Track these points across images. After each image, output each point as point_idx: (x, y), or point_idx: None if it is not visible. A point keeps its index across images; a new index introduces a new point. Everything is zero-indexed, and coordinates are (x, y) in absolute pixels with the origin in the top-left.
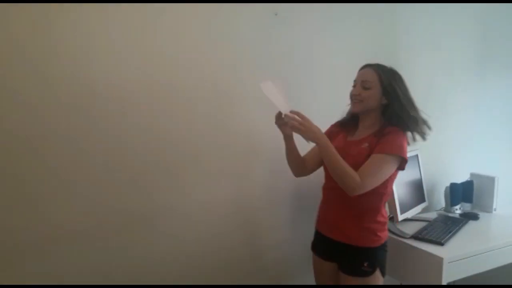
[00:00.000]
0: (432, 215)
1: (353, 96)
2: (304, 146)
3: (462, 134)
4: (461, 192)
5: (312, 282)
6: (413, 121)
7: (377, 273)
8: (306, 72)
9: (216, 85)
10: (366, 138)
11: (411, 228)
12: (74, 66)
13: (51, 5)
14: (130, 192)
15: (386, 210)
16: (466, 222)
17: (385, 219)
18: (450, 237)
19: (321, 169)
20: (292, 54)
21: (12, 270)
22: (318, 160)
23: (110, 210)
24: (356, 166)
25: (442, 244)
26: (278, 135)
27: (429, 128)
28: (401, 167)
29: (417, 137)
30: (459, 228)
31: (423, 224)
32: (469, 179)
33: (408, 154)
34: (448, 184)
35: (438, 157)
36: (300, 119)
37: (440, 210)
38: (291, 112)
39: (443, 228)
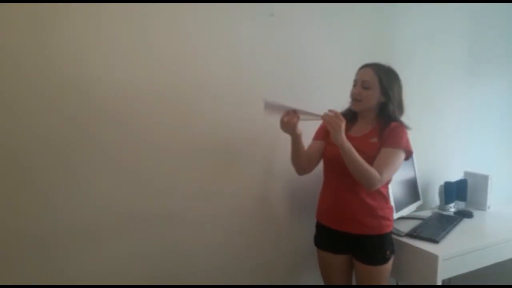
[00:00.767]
0: (426, 213)
1: (353, 96)
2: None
3: (456, 133)
4: (455, 190)
5: (316, 278)
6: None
7: (393, 256)
8: (302, 71)
9: (214, 85)
10: (371, 133)
11: (406, 226)
12: (72, 66)
13: (53, 5)
14: (132, 192)
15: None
16: (460, 220)
17: (391, 204)
18: (445, 235)
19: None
20: (288, 54)
21: (12, 269)
22: (319, 156)
23: (112, 210)
24: (369, 160)
25: (437, 242)
26: (276, 134)
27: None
28: (407, 158)
29: None
30: (454, 226)
31: (418, 222)
32: (463, 178)
33: None
34: (442, 183)
35: (432, 156)
36: (340, 117)
37: (434, 208)
38: (330, 110)
39: (437, 226)
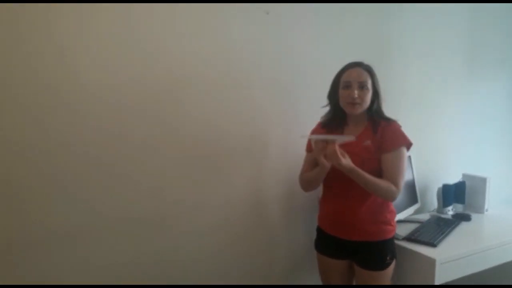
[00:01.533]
0: (424, 216)
1: (351, 99)
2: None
3: (453, 136)
4: (453, 193)
5: (315, 279)
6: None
7: (394, 261)
8: (297, 70)
9: (206, 86)
10: (363, 135)
11: (404, 230)
12: (70, 66)
13: (44, 5)
14: (131, 193)
15: None
16: (458, 223)
17: (393, 207)
18: (443, 238)
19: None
20: (283, 53)
21: (11, 269)
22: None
23: (111, 210)
24: (365, 164)
25: (434, 246)
26: (268, 136)
27: None
28: (408, 149)
29: None
30: (452, 229)
31: (415, 225)
32: (461, 180)
33: None
34: (440, 185)
35: (430, 158)
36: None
37: (432, 211)
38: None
39: (435, 229)
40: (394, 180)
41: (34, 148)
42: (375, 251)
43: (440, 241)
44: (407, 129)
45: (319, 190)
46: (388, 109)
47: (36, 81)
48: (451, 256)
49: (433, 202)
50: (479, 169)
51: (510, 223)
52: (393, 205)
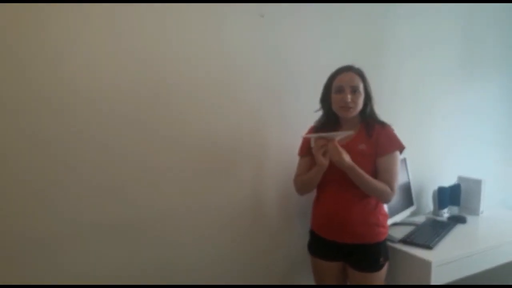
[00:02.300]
0: (420, 219)
1: (345, 103)
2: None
3: (449, 138)
4: (449, 195)
5: (312, 280)
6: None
7: (387, 263)
8: (293, 74)
9: (205, 87)
10: (357, 139)
11: (399, 232)
12: (60, 71)
13: (37, 5)
14: (128, 196)
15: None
16: (454, 226)
17: (385, 211)
18: (439, 240)
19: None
20: (279, 56)
21: (13, 269)
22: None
23: (109, 214)
24: (360, 167)
25: (430, 248)
26: (265, 139)
27: None
28: (401, 152)
29: None
30: (447, 232)
31: (411, 228)
32: (456, 183)
33: None
34: (436, 188)
35: (425, 161)
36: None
37: (428, 213)
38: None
39: (431, 232)
40: (390, 183)
41: (14, 152)
42: (368, 253)
43: (436, 243)
44: (402, 132)
45: (315, 193)
46: (383, 111)
47: (26, 86)
48: (447, 258)
49: (429, 204)
50: (474, 172)
51: (505, 225)
52: (389, 207)
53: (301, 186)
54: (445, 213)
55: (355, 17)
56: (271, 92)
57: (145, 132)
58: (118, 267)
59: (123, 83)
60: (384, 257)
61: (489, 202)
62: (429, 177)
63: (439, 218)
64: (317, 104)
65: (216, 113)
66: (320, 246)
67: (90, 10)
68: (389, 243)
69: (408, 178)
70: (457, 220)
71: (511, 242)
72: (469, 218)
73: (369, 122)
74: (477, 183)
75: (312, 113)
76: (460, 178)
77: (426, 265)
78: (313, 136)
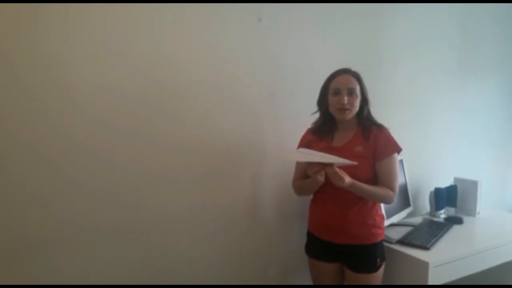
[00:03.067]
0: (417, 220)
1: (341, 105)
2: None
3: (445, 139)
4: (445, 196)
5: (308, 282)
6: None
7: (384, 264)
8: (290, 76)
9: (203, 90)
10: (354, 141)
11: (396, 233)
12: (58, 72)
13: (37, 5)
14: (127, 198)
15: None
16: (450, 226)
17: (381, 211)
18: (435, 241)
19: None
20: (276, 58)
21: (12, 272)
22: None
23: (109, 215)
24: (357, 169)
25: (427, 249)
26: (263, 142)
27: None
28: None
29: None
30: (444, 233)
31: (408, 229)
32: (453, 184)
33: None
34: (432, 189)
35: (422, 162)
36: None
37: (425, 214)
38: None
39: (428, 233)
40: (391, 185)
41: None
42: (365, 254)
43: (433, 244)
44: (398, 133)
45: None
46: (379, 113)
47: (22, 92)
48: (444, 259)
49: (426, 205)
50: (471, 173)
51: (501, 226)
52: (386, 208)
53: (298, 190)
54: (442, 214)
55: (351, 19)
56: (268, 94)
57: (143, 135)
58: (117, 269)
59: (120, 87)
60: (381, 258)
61: (485, 203)
62: (426, 178)
63: (435, 219)
64: (314, 106)
65: (213, 116)
66: (317, 247)
67: (84, 12)
68: (386, 244)
69: (405, 179)
70: (453, 221)
71: (507, 243)
72: (466, 219)
73: (366, 124)
74: (474, 184)
75: (310, 115)
76: (456, 179)
77: (423, 266)
78: (303, 159)
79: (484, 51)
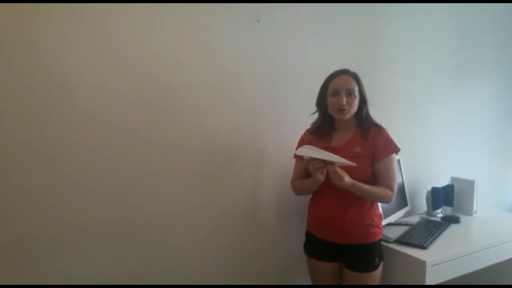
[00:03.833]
0: (414, 219)
1: (340, 106)
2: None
3: (442, 139)
4: (442, 196)
5: (307, 281)
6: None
7: (382, 263)
8: (289, 77)
9: (203, 90)
10: (353, 141)
11: (394, 233)
12: (65, 69)
13: (37, 5)
14: (126, 199)
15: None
16: (447, 226)
17: (379, 211)
18: (433, 240)
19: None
20: (275, 59)
21: (13, 272)
22: (307, 175)
23: (109, 216)
24: (356, 169)
25: (425, 248)
26: (263, 142)
27: None
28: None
29: None
30: (441, 232)
31: (406, 228)
32: (449, 183)
33: None
34: (429, 188)
35: (419, 162)
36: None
37: (422, 214)
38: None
39: (425, 232)
40: (390, 185)
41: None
42: (364, 253)
43: (430, 243)
44: (396, 133)
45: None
46: (377, 114)
47: (22, 93)
48: (441, 258)
49: (423, 205)
50: (467, 172)
51: (498, 225)
52: (384, 208)
53: (297, 189)
54: (439, 214)
55: (349, 20)
56: (268, 95)
57: (142, 135)
58: (117, 269)
59: (120, 87)
60: (379, 257)
61: (482, 202)
62: (423, 178)
63: (433, 218)
64: (313, 107)
65: (213, 117)
66: (316, 246)
67: (84, 12)
68: (384, 243)
69: (402, 179)
70: (450, 220)
71: (504, 242)
72: (463, 218)
73: (364, 124)
74: (470, 183)
75: (309, 115)
76: (453, 178)
77: (420, 265)
78: (308, 154)
79: (481, 52)
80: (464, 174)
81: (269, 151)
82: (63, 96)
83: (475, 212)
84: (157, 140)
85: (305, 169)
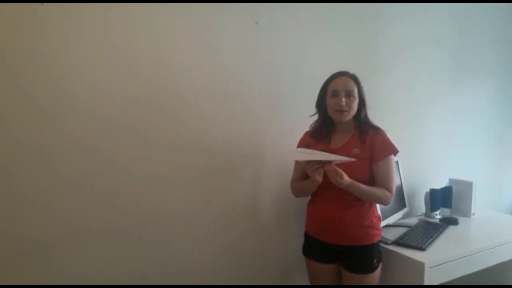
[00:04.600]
0: (413, 221)
1: (339, 107)
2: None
3: (440, 141)
4: (441, 197)
5: (306, 282)
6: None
7: (380, 264)
8: (288, 77)
9: (202, 91)
10: (351, 142)
11: (392, 234)
12: (65, 69)
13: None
14: (127, 201)
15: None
16: (446, 227)
17: (378, 212)
18: (431, 242)
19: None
20: (274, 61)
21: (12, 274)
22: (306, 177)
23: (109, 218)
24: (353, 171)
25: (423, 249)
26: (262, 143)
27: None
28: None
29: None
30: (440, 233)
31: (404, 229)
32: (448, 185)
33: None
34: (428, 190)
35: (417, 163)
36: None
37: (420, 215)
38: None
39: (424, 233)
40: (388, 186)
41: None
42: (362, 255)
43: (429, 245)
44: (394, 135)
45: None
46: (376, 115)
47: (22, 94)
48: (440, 259)
49: (421, 206)
50: (466, 174)
51: (496, 227)
52: (382, 209)
53: (296, 191)
54: (437, 215)
55: (349, 20)
56: (267, 96)
57: (142, 137)
58: (117, 269)
59: (120, 87)
60: (377, 258)
61: (480, 204)
62: (421, 179)
63: (431, 220)
64: (312, 108)
65: (213, 118)
66: (314, 248)
67: (84, 12)
68: (382, 245)
69: (401, 180)
70: (449, 221)
71: (502, 243)
72: (461, 220)
73: (362, 126)
74: (469, 185)
75: (308, 117)
76: (451, 180)
77: (419, 266)
78: (303, 158)
79: (480, 53)
80: (462, 175)
81: (268, 152)
82: (63, 96)
83: (473, 214)
84: (157, 140)
85: (304, 171)
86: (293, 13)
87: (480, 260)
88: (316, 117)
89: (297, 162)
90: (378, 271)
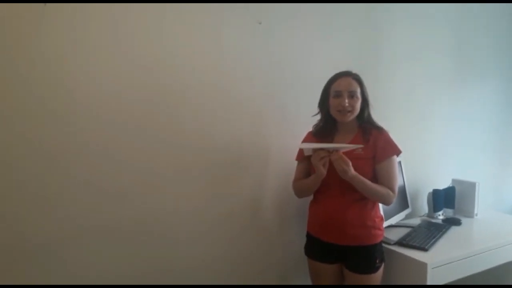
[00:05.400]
0: (415, 221)
1: (342, 107)
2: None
3: (443, 142)
4: (444, 198)
5: (308, 281)
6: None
7: (383, 264)
8: (290, 79)
9: (207, 91)
10: (353, 143)
11: (395, 234)
12: (69, 68)
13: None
14: (129, 201)
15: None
16: (449, 228)
17: (381, 213)
18: (434, 242)
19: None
20: (277, 61)
21: (16, 269)
22: (308, 176)
23: (111, 217)
24: (357, 171)
25: (426, 250)
26: (262, 142)
27: None
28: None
29: None
30: (442, 234)
31: (407, 230)
32: (451, 185)
33: None
34: (430, 190)
35: (420, 164)
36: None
37: (423, 216)
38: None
39: (426, 234)
40: (391, 186)
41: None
42: (365, 255)
43: (431, 245)
44: (397, 136)
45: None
46: (378, 116)
47: (26, 91)
48: (443, 260)
49: (424, 207)
50: (469, 175)
51: (499, 227)
52: (385, 210)
53: (299, 190)
54: (440, 216)
55: (351, 22)
56: (270, 96)
57: (146, 136)
58: (118, 268)
59: (125, 86)
60: (380, 259)
61: (483, 204)
62: (424, 180)
63: (434, 221)
64: (315, 108)
65: (216, 118)
66: (317, 248)
67: (89, 12)
68: (385, 245)
69: (403, 181)
70: (451, 222)
71: (505, 244)
72: (464, 221)
73: (366, 126)
74: (472, 185)
75: (311, 117)
76: (454, 181)
77: (422, 267)
78: (312, 146)
79: (482, 54)
80: (465, 176)
81: (271, 152)
82: (66, 96)
83: (476, 214)
84: (160, 139)
85: (306, 170)
86: (296, 13)
87: (483, 261)
88: (318, 117)
89: (299, 162)
90: (380, 271)
